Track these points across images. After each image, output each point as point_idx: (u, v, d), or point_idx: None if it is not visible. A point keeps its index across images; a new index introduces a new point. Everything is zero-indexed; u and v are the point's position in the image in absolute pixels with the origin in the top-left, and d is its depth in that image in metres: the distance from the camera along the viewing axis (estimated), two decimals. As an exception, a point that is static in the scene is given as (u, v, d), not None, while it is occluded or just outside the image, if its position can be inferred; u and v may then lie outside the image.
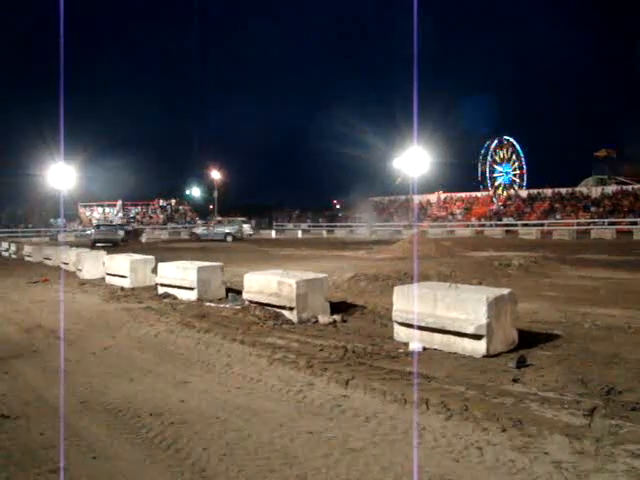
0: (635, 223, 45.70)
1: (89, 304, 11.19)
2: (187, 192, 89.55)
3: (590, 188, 62.84)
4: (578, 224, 49.71)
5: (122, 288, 13.17)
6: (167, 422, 4.70)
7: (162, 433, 4.47)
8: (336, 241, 43.93)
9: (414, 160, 50.08)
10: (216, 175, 76.84)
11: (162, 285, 11.97)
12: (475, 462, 3.82)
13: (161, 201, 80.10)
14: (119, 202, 74.81)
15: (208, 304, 10.43)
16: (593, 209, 55.82)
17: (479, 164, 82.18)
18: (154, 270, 13.20)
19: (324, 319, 8.59)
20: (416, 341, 6.82)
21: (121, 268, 13.97)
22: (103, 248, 22.71)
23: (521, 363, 5.94)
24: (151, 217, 76.21)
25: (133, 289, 12.96)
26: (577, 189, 63.46)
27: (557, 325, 8.10)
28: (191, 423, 4.67)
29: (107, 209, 74.83)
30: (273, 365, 6.39)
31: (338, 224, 71.01)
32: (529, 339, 6.90)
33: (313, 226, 73.33)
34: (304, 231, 65.40)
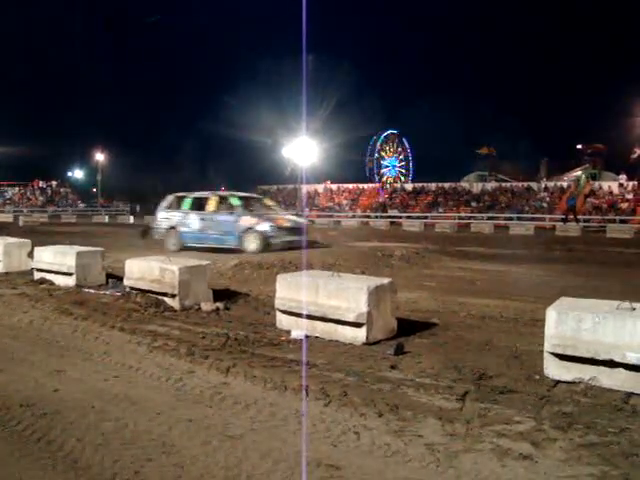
0: (511, 218, 47.95)
1: (-44, 289, 10.52)
2: (69, 174, 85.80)
3: (472, 184, 65.43)
4: (459, 218, 51.53)
5: (-6, 273, 12.48)
6: (39, 413, 4.50)
7: (33, 425, 4.28)
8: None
9: (303, 150, 50.57)
10: (100, 157, 74.29)
11: (39, 270, 11.42)
12: (352, 446, 3.91)
13: (40, 182, 76.13)
14: (-8, 182, 70.55)
15: (87, 290, 10.05)
16: (474, 204, 58.07)
17: (367, 156, 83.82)
18: (30, 254, 12.58)
19: (207, 306, 8.50)
20: (298, 329, 6.89)
21: (-7, 252, 13.21)
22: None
23: (399, 350, 6.12)
24: (29, 199, 72.42)
25: (7, 274, 12.28)
26: (459, 184, 65.91)
27: (435, 314, 8.40)
28: (65, 413, 4.49)
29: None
30: (153, 353, 6.27)
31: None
32: (408, 327, 7.11)
33: (199, 212, 71.83)
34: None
